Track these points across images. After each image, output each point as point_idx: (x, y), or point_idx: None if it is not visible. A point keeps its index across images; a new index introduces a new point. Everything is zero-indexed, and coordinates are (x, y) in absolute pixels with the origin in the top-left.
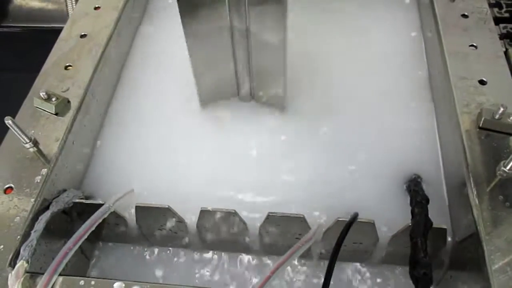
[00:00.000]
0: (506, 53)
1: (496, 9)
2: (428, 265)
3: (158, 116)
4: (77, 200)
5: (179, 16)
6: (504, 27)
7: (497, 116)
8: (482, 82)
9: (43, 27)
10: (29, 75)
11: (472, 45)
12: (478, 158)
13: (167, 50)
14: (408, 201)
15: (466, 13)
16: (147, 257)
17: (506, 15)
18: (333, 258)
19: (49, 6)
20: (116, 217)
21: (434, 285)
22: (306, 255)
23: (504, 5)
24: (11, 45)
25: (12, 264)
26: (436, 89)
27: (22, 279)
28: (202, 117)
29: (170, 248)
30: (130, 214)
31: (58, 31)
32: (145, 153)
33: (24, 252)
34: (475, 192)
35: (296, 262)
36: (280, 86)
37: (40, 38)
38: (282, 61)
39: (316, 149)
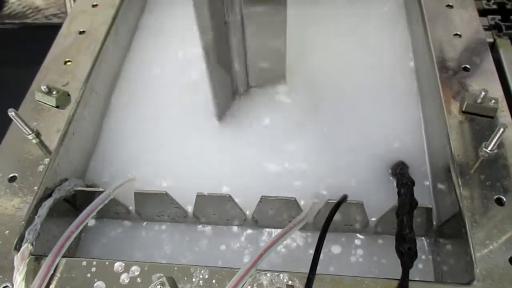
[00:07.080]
0: (494, 43)
1: (484, 1)
2: (413, 241)
3: (158, 110)
4: (79, 188)
5: (177, 11)
6: (492, 19)
7: (479, 100)
8: (465, 69)
9: (39, 23)
10: (26, 71)
11: (456, 34)
12: (461, 141)
13: (166, 45)
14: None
15: (451, 4)
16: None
17: (494, 7)
18: (322, 237)
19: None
20: (116, 205)
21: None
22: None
23: None
24: (9, 41)
25: (18, 247)
26: (422, 76)
27: (27, 260)
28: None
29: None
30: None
31: (53, 26)
32: (145, 146)
33: (29, 235)
34: (458, 173)
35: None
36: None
37: (36, 34)
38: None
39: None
